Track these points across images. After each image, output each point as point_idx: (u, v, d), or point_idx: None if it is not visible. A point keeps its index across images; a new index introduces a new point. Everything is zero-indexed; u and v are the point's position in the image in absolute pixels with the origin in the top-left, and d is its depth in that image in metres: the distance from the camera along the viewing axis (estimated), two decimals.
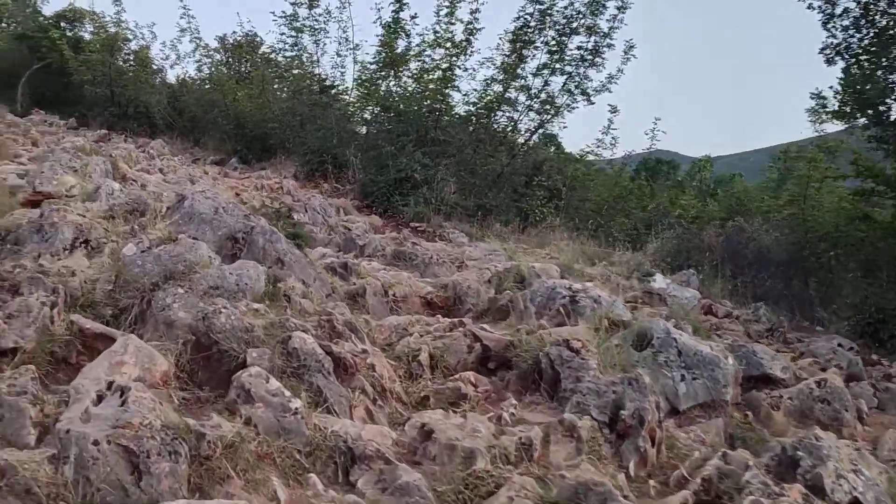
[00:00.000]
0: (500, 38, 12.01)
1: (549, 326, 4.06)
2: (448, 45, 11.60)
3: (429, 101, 11.51)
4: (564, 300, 4.58)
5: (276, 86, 16.08)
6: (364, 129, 13.71)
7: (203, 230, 4.78)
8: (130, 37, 22.11)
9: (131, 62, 22.48)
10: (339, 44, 15.17)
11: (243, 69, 21.79)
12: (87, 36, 23.68)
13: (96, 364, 3.04)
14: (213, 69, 18.95)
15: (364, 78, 13.00)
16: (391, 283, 5.22)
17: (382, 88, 12.61)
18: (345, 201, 11.05)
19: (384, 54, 12.10)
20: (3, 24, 29.16)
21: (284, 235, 5.12)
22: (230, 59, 21.42)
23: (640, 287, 6.77)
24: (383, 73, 12.58)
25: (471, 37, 11.33)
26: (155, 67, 22.93)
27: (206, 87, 19.36)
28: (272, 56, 15.83)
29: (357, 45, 13.13)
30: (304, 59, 15.02)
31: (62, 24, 24.00)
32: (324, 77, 14.14)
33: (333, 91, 14.03)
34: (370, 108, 13.21)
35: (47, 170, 7.65)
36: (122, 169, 8.64)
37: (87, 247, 4.19)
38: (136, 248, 3.99)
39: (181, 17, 19.06)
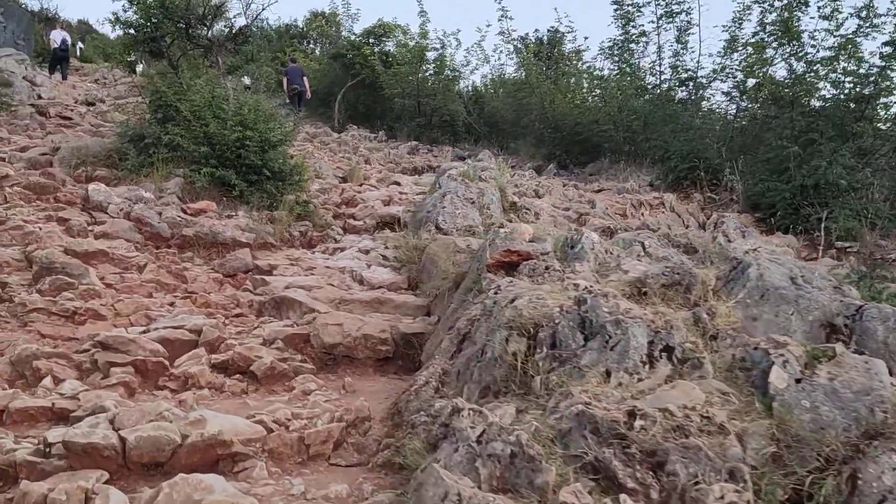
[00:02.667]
0: None
1: None
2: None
3: (851, 86, 9.01)
4: None
5: (612, 84, 14.44)
6: (728, 126, 11.47)
7: (785, 314, 3.17)
8: (437, 46, 22.12)
9: (432, 71, 22.56)
10: (679, 30, 13.16)
11: (548, 68, 20.69)
12: (391, 49, 24.27)
13: None
14: (525, 71, 17.91)
15: (747, 62, 10.76)
16: None
17: (768, 73, 10.28)
18: (740, 217, 9.03)
19: (779, 29, 9.76)
20: (311, 46, 31.55)
21: None
22: (539, 59, 20.39)
23: None
24: (765, 57, 10.25)
25: None
26: (455, 74, 22.84)
27: (520, 90, 18.41)
28: (610, 51, 14.14)
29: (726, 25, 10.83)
30: (643, 51, 13.21)
31: (370, 40, 24.89)
32: (684, 67, 12.15)
33: (693, 82, 12.01)
34: (747, 100, 10.95)
35: (448, 204, 6.74)
36: (509, 196, 7.57)
37: (670, 358, 2.77)
38: (786, 376, 2.45)
39: (498, 20, 18.31)
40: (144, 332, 4.50)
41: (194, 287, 6.03)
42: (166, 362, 4.12)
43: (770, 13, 10.13)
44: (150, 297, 5.68)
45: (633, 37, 12.91)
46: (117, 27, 8.70)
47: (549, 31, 22.86)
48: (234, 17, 9.04)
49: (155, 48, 8.73)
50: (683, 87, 12.25)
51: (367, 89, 23.54)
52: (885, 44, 8.86)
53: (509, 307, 3.33)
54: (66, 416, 3.48)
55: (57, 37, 19.28)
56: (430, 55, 22.55)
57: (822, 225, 8.38)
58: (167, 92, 8.08)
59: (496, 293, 3.73)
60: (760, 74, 10.30)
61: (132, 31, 8.55)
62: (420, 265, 6.16)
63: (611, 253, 4.17)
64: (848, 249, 8.27)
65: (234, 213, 7.51)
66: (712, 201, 10.18)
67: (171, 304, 5.49)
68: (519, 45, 18.21)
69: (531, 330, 3.11)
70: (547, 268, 3.95)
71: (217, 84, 8.17)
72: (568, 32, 16.14)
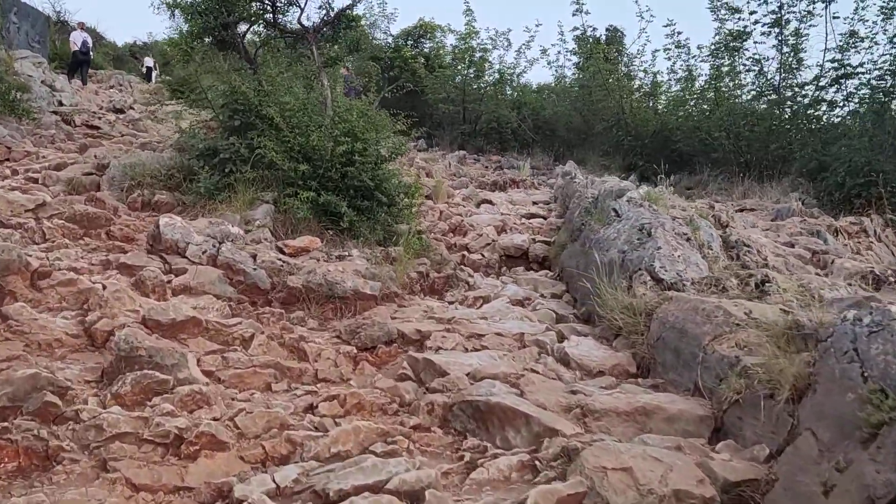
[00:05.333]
0: None
1: None
2: None
3: None
4: None
5: (725, 84, 12.55)
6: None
7: None
8: (488, 45, 20.30)
9: (474, 74, 20.80)
10: (800, 20, 11.29)
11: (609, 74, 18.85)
12: (429, 51, 22.54)
13: None
14: (598, 72, 16.04)
15: None
16: None
17: None
18: None
19: None
20: (336, 48, 29.65)
21: None
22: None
23: None
24: None
25: None
26: (505, 77, 21.06)
27: (591, 93, 16.56)
28: (723, 45, 12.23)
29: None
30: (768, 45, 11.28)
31: (409, 41, 23.14)
32: (842, 62, 10.18)
33: (853, 79, 10.06)
34: None
35: (663, 244, 4.85)
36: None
37: None
38: None
39: (573, 14, 16.49)
40: (312, 489, 2.62)
41: (324, 370, 4.18)
42: None
43: None
44: (268, 389, 3.84)
45: (764, 26, 10.98)
46: (175, 13, 6.86)
47: (607, 30, 21.06)
48: None
49: (227, 37, 6.85)
50: (837, 86, 10.32)
51: (405, 95, 21.71)
52: None
53: None
54: None
55: (77, 38, 17.49)
56: (478, 56, 20.76)
57: None
58: (247, 92, 6.19)
59: None
60: None
61: (198, 16, 6.65)
62: (652, 338, 4.26)
63: None
64: None
65: (346, 253, 5.62)
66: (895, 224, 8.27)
67: (311, 410, 3.60)
68: (590, 42, 16.30)
69: None
70: None
71: (314, 82, 6.27)
72: (667, 26, 14.09)
